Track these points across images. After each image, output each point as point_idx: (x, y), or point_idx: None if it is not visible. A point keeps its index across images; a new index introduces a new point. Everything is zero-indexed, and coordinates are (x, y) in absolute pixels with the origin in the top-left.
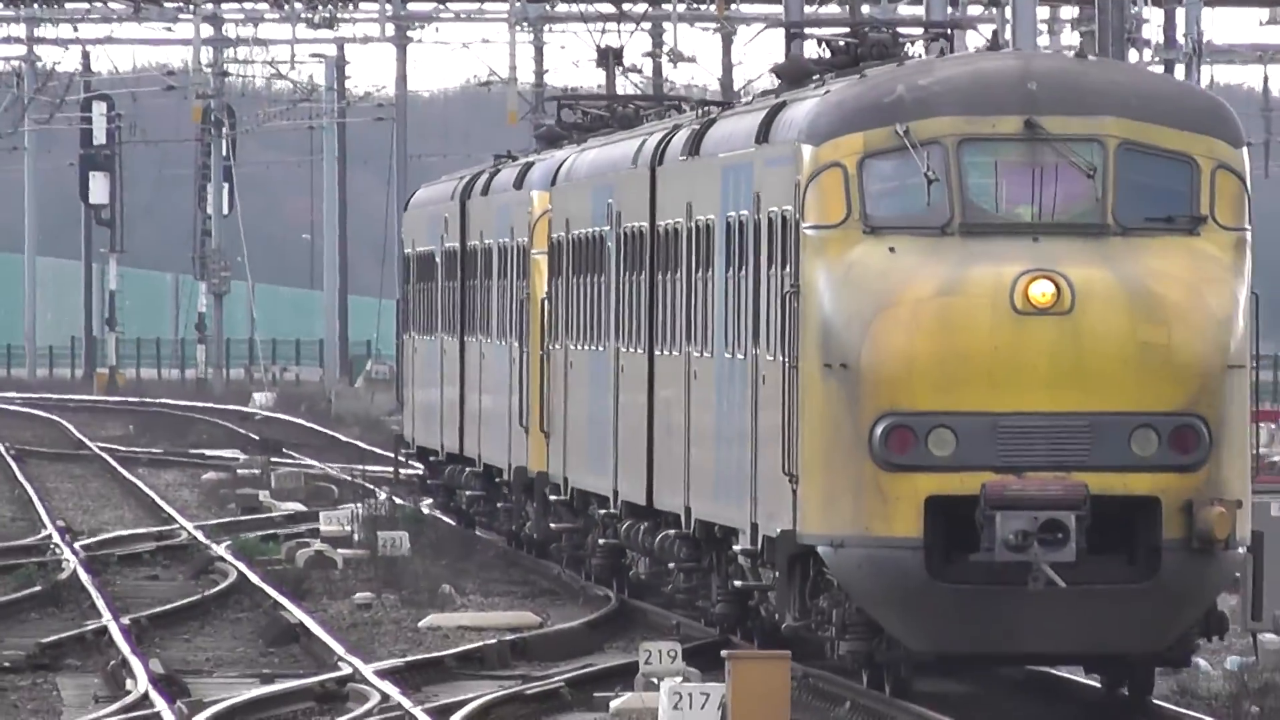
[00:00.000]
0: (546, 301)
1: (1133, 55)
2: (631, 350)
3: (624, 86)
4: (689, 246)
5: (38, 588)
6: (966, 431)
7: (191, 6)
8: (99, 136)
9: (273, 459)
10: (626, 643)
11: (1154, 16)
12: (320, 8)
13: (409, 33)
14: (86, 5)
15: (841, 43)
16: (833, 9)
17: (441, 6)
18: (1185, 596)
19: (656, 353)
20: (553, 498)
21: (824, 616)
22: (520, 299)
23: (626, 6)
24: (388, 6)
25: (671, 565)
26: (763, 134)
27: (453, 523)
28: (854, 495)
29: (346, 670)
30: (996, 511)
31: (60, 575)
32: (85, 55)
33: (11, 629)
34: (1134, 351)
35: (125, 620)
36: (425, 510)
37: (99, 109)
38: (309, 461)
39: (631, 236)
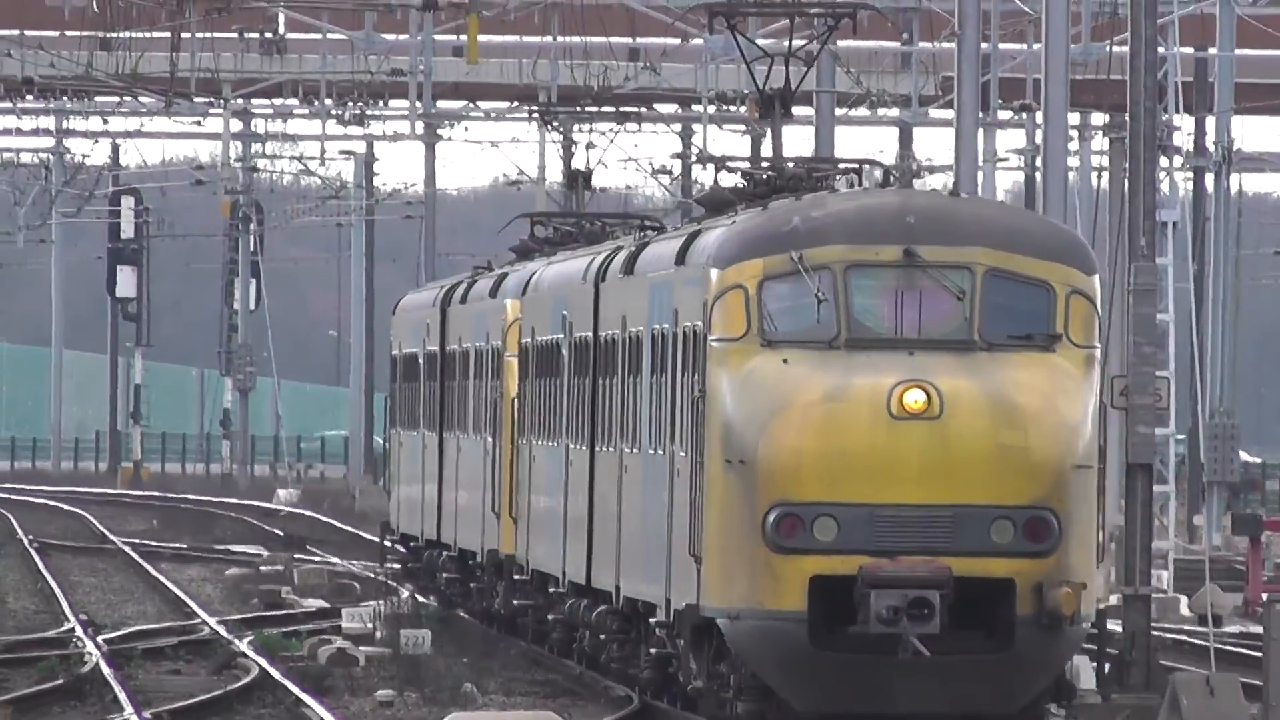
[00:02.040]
0: (516, 400)
1: (1163, 162)
2: (578, 446)
3: (653, 187)
4: (624, 354)
5: (60, 681)
6: (847, 519)
7: (221, 102)
8: (127, 230)
9: (296, 555)
10: None
11: (1185, 124)
12: (350, 105)
13: (438, 130)
14: (116, 99)
15: (763, 175)
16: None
17: (471, 105)
18: (1036, 666)
19: (597, 449)
20: (516, 577)
21: (724, 681)
22: (494, 398)
23: (658, 108)
24: (418, 105)
25: (603, 636)
26: (681, 257)
27: (435, 602)
28: (748, 574)
29: None
30: (871, 589)
31: (83, 669)
32: (114, 148)
33: None
34: (994, 452)
35: (148, 715)
36: (410, 593)
37: (127, 203)
38: (332, 558)
39: (579, 345)
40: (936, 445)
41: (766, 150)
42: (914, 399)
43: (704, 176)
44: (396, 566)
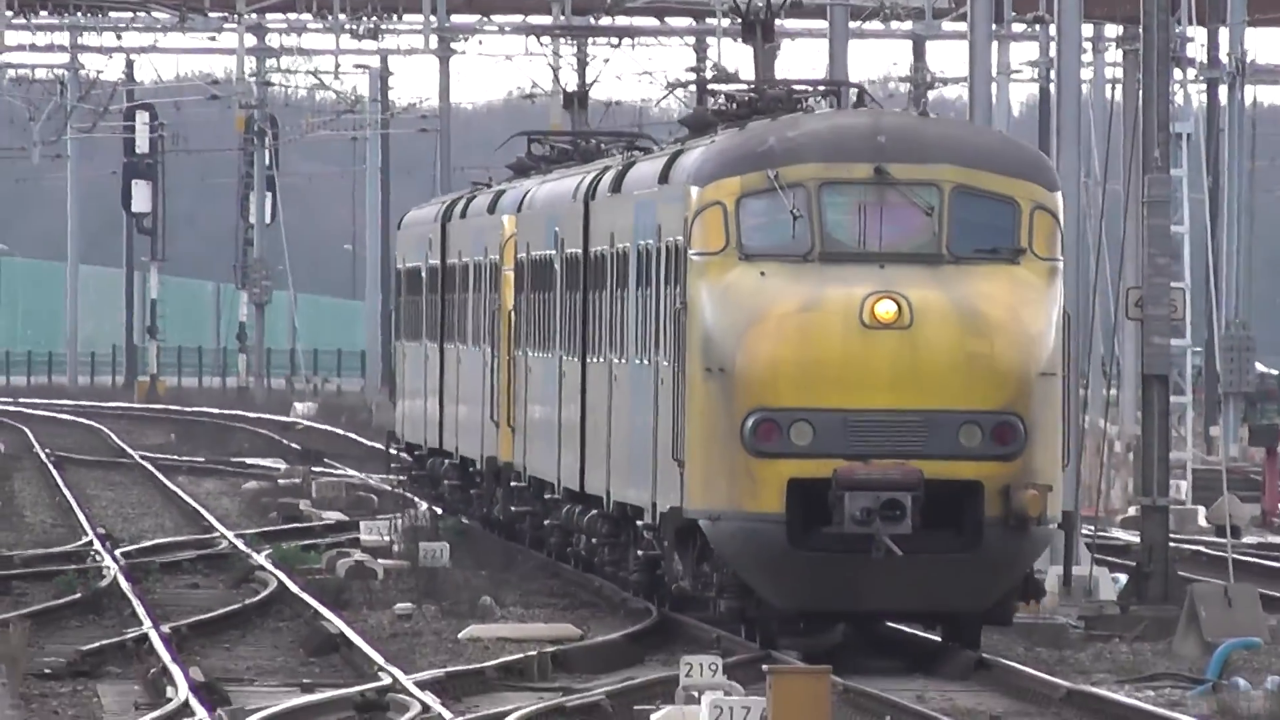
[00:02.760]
0: (513, 313)
1: (1176, 74)
2: (570, 358)
3: (670, 101)
4: (611, 269)
5: (78, 595)
6: (822, 425)
7: (235, 16)
8: (142, 145)
9: (313, 469)
10: (667, 656)
11: (1198, 36)
12: (364, 19)
13: (452, 44)
14: (130, 14)
15: (745, 98)
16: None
17: (485, 19)
18: (1004, 565)
19: (589, 360)
20: (514, 484)
21: (708, 580)
22: (492, 310)
23: (670, 21)
24: (432, 18)
25: (593, 540)
26: (664, 176)
27: (437, 506)
28: (728, 477)
29: (386, 680)
30: (846, 492)
31: (101, 583)
32: (129, 64)
33: (52, 636)
34: (962, 360)
35: (165, 628)
36: (412, 497)
37: (142, 118)
38: (350, 471)
39: (571, 260)
40: (906, 353)
41: (780, 70)
42: (885, 309)
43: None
44: (402, 477)
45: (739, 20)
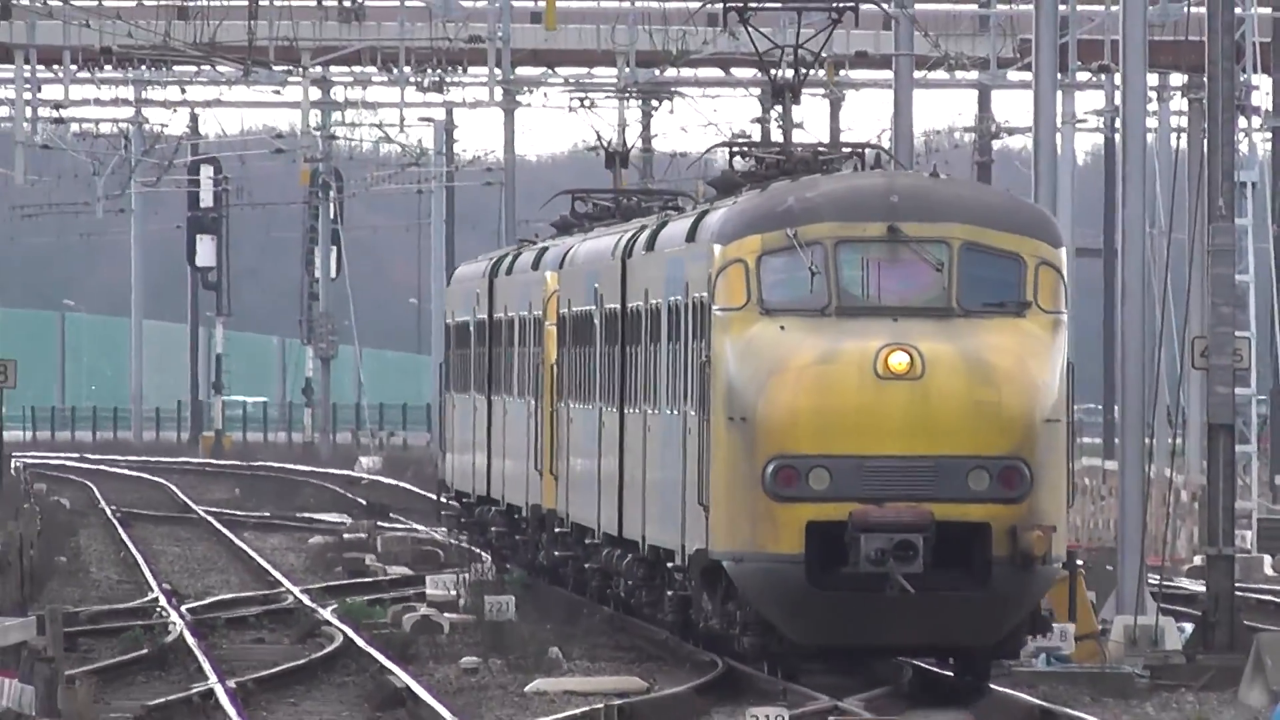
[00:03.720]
0: (555, 366)
1: (1241, 122)
2: (609, 408)
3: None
4: (646, 324)
5: (144, 650)
6: (838, 470)
7: (300, 70)
8: (206, 199)
9: (379, 523)
10: (733, 708)
11: (1263, 84)
12: (429, 72)
13: (517, 97)
14: (195, 68)
15: (773, 159)
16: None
17: (550, 71)
18: (1012, 602)
19: (626, 410)
20: (557, 530)
21: (732, 618)
22: (536, 363)
23: (736, 72)
24: (496, 71)
25: (629, 583)
26: (691, 235)
27: (485, 552)
28: (750, 520)
29: None
30: (861, 533)
31: (166, 638)
32: (193, 118)
33: (118, 691)
34: (971, 408)
35: (231, 684)
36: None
37: (206, 172)
38: (415, 526)
39: (609, 315)
40: (918, 402)
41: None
42: (898, 361)
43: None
44: (462, 535)
45: (805, 72)
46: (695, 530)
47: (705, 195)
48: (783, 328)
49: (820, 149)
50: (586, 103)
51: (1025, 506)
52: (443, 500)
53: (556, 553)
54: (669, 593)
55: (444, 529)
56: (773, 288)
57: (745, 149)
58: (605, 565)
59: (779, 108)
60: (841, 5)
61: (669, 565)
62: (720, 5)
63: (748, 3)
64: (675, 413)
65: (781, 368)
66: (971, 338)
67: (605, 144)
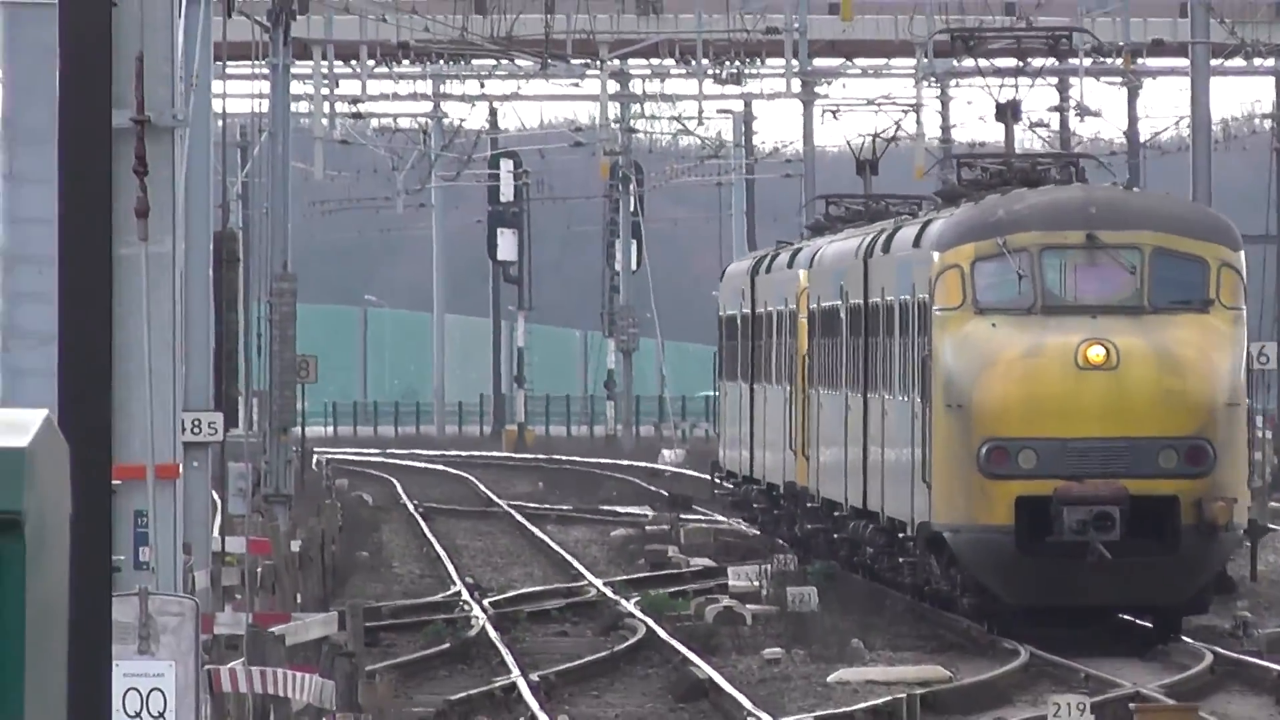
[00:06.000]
0: (806, 356)
1: None
2: (854, 394)
3: (1030, 139)
4: (882, 319)
5: (447, 645)
6: (1044, 451)
7: (598, 63)
8: (506, 193)
9: (682, 515)
10: (1035, 696)
11: None
12: (726, 64)
13: (815, 88)
14: (493, 62)
15: (996, 166)
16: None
17: (848, 62)
18: (1199, 565)
19: (868, 396)
20: (809, 505)
21: (954, 581)
22: (790, 354)
23: (1033, 62)
24: (794, 62)
25: (870, 550)
26: (916, 241)
27: (751, 526)
28: (966, 495)
29: None
30: (1064, 506)
31: (469, 632)
32: (492, 112)
33: (421, 686)
34: (1160, 395)
35: (534, 677)
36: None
37: (506, 166)
38: (718, 517)
39: (853, 310)
40: (1114, 390)
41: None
42: (1096, 353)
43: (1081, 129)
44: (757, 521)
45: (1101, 60)
46: (920, 504)
47: (932, 204)
48: (994, 325)
49: (1040, 160)
50: (892, 89)
51: (1209, 481)
52: (715, 480)
53: (809, 525)
54: (900, 559)
55: (745, 521)
56: (985, 290)
57: (971, 159)
58: (852, 536)
59: (1103, 85)
60: (1057, 34)
61: (900, 535)
62: None
63: (974, 34)
64: (905, 399)
65: (993, 360)
66: (1160, 332)
67: (854, 154)
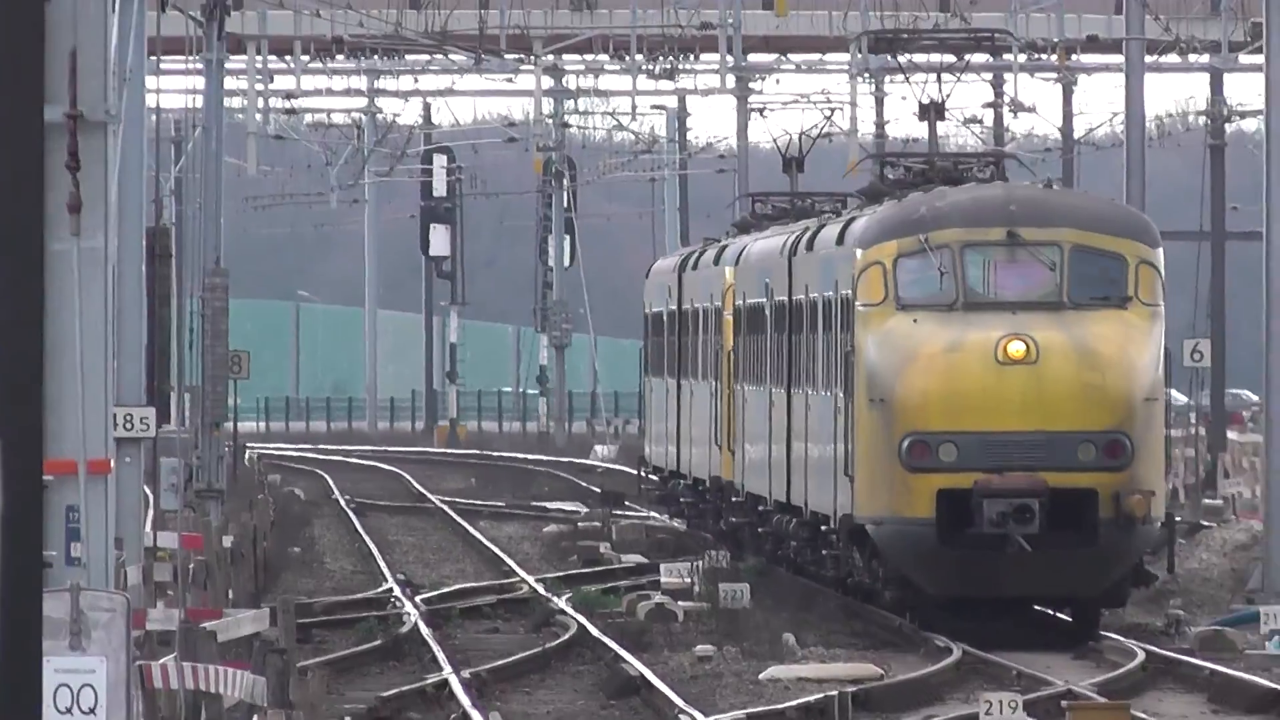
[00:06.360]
0: (732, 352)
1: None
2: (778, 390)
3: (964, 136)
4: (806, 316)
5: (379, 641)
6: (964, 444)
7: (532, 58)
8: (439, 189)
9: (614, 511)
10: (967, 694)
11: None
12: (661, 60)
13: (749, 84)
14: (427, 57)
15: (918, 166)
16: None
17: (783, 58)
18: (1116, 558)
19: (791, 392)
20: (734, 499)
21: (875, 574)
22: (716, 350)
23: (965, 58)
24: (729, 58)
25: (794, 544)
26: (839, 239)
27: (677, 520)
28: (888, 488)
29: None
30: (984, 499)
31: (401, 629)
32: (426, 107)
33: (353, 682)
34: (1079, 389)
35: (466, 674)
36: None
37: (440, 161)
38: (650, 514)
39: (778, 307)
40: (1034, 385)
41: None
42: (1016, 348)
43: (1015, 125)
44: (692, 519)
45: (1036, 56)
46: (843, 497)
47: (856, 202)
48: (915, 321)
49: (962, 159)
50: (826, 85)
51: (1127, 474)
52: (642, 475)
53: (734, 519)
54: (824, 552)
55: (671, 516)
56: (907, 286)
57: (894, 159)
58: (776, 529)
59: (1037, 81)
60: (978, 36)
61: (822, 529)
62: None
63: (897, 37)
64: (828, 394)
65: (914, 355)
66: (1079, 328)
67: (781, 152)
